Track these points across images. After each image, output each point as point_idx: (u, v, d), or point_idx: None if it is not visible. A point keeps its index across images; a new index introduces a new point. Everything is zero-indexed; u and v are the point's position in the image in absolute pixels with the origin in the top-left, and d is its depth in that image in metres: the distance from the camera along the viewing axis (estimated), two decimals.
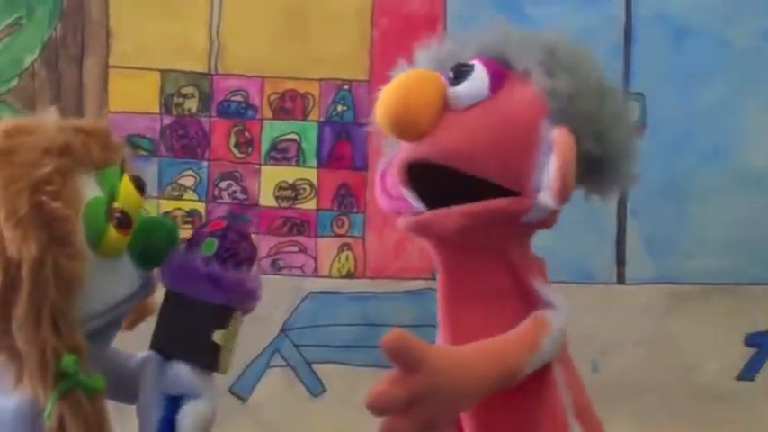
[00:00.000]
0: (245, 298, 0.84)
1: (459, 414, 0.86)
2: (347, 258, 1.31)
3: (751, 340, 1.28)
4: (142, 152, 1.30)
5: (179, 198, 1.31)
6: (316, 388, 1.31)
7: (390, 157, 0.93)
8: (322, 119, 1.30)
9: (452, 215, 0.84)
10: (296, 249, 1.31)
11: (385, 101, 0.84)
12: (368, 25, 1.29)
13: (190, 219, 1.31)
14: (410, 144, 0.85)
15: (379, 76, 1.24)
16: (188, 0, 1.30)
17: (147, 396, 0.85)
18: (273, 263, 1.31)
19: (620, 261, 1.29)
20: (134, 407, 0.86)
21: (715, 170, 1.28)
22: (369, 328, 1.31)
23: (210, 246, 0.84)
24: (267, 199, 1.31)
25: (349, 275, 1.31)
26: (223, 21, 1.30)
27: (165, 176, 1.31)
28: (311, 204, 1.31)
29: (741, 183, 1.27)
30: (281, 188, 1.31)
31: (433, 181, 0.85)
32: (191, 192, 1.31)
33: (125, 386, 0.87)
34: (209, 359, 0.83)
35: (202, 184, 1.31)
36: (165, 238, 0.85)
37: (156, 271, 0.86)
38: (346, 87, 1.30)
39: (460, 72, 0.85)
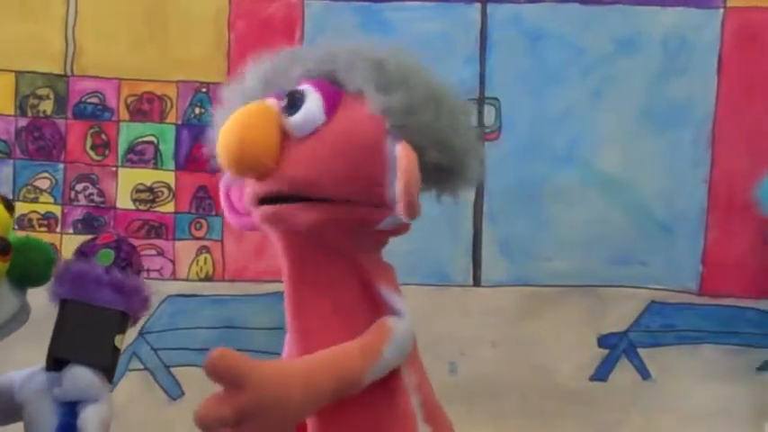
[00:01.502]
0: (142, 304, 0.90)
1: (297, 424, 0.85)
2: (206, 261, 1.31)
3: (604, 341, 1.30)
4: None
5: (35, 201, 1.29)
6: (174, 391, 1.31)
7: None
8: (180, 121, 1.30)
9: (309, 207, 0.84)
10: (154, 252, 1.30)
11: (224, 144, 0.84)
12: (225, 28, 1.29)
13: (45, 221, 1.30)
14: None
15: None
16: (44, 0, 1.28)
17: (39, 408, 0.86)
18: None
19: (477, 263, 1.30)
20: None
21: (569, 173, 1.29)
22: (228, 331, 1.30)
23: (107, 256, 0.89)
24: (124, 202, 1.30)
25: (208, 278, 1.31)
26: (79, 22, 1.28)
27: (20, 179, 1.29)
28: (169, 207, 1.30)
29: (594, 185, 1.29)
30: (138, 191, 1.30)
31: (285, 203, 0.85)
32: (46, 194, 1.30)
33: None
34: (111, 362, 0.88)
35: (58, 187, 1.30)
36: (43, 256, 0.87)
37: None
38: (204, 90, 1.29)
39: (294, 100, 0.85)
